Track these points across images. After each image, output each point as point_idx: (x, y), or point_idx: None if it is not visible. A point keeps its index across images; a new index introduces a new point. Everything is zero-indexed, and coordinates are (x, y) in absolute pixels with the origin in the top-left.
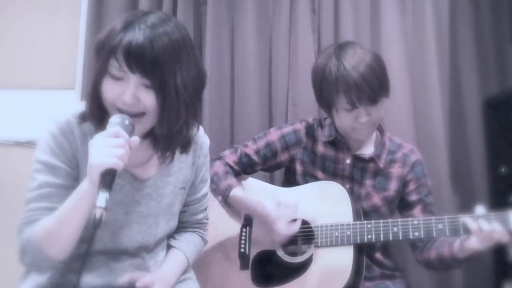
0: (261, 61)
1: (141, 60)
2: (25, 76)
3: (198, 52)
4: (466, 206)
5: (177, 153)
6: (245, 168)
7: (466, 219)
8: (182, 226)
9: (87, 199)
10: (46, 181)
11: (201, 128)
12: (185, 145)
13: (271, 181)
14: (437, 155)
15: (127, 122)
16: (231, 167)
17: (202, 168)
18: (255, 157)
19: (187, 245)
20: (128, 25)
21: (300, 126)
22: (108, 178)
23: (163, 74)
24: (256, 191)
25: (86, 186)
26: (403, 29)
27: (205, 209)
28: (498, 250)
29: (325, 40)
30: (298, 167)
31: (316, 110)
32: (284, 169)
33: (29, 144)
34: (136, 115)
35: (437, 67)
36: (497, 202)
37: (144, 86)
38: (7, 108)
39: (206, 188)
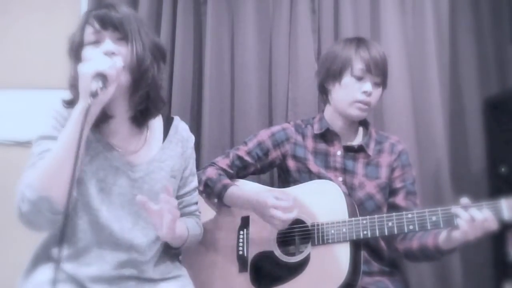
0: (261, 61)
1: (110, 18)
2: (25, 76)
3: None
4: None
5: (168, 143)
6: (238, 171)
7: (457, 209)
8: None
9: (81, 121)
10: (50, 148)
11: (184, 124)
12: (157, 105)
13: (270, 184)
14: (437, 155)
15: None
16: (224, 170)
17: (190, 160)
18: (247, 158)
19: (185, 220)
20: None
21: (289, 125)
22: (101, 78)
23: (130, 28)
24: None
25: (79, 106)
26: (403, 29)
27: (196, 203)
28: (498, 250)
29: (325, 40)
30: (291, 163)
31: (316, 110)
32: (277, 171)
33: (29, 144)
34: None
35: (437, 67)
36: None
37: (117, 40)
38: (7, 108)
39: (195, 182)
